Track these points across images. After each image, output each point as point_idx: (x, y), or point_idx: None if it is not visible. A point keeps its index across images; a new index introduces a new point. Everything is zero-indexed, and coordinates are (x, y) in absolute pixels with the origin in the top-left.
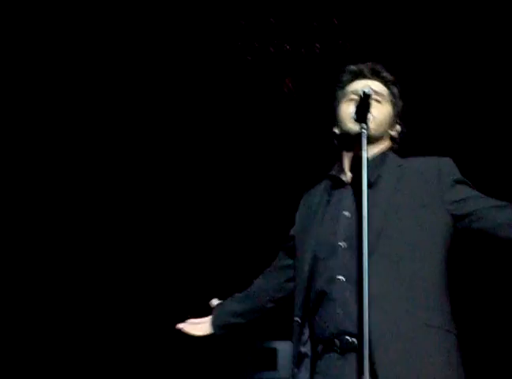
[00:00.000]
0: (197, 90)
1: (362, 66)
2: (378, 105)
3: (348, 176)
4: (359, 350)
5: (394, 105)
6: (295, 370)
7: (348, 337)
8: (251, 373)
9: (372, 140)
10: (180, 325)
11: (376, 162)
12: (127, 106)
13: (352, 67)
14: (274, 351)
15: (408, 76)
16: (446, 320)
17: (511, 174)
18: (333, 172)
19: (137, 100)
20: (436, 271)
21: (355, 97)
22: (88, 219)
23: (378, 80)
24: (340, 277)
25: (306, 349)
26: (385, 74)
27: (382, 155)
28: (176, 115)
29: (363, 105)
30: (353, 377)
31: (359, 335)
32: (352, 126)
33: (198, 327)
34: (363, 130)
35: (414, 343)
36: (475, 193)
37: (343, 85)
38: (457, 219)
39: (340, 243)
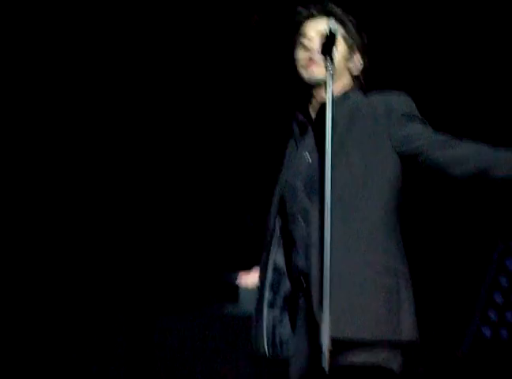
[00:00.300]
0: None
1: (311, 7)
2: None
3: (312, 119)
4: (309, 289)
5: (346, 40)
6: (278, 317)
7: (307, 276)
8: (212, 306)
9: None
10: (237, 281)
11: (337, 103)
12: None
13: (301, 9)
14: (236, 285)
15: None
16: (389, 260)
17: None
18: (299, 117)
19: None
20: (382, 211)
21: (306, 41)
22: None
23: (330, 19)
24: (299, 218)
25: (286, 293)
26: (336, 12)
27: (344, 96)
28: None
29: (329, 42)
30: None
31: (315, 274)
32: (304, 73)
33: (252, 278)
34: (329, 65)
35: (355, 283)
36: (423, 128)
37: (294, 28)
38: (403, 157)
39: (299, 186)
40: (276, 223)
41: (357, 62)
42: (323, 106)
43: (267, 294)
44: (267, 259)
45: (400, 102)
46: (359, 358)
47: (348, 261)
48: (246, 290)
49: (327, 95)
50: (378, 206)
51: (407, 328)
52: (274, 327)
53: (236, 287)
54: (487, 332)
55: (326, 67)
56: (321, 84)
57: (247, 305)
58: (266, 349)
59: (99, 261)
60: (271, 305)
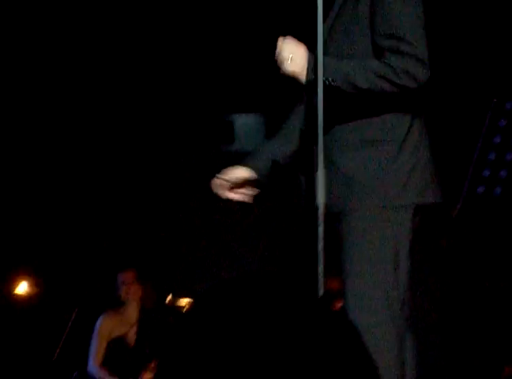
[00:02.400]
0: None
1: None
2: None
3: None
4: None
5: None
6: None
7: None
8: (209, 146)
9: None
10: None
11: None
12: None
13: None
14: (231, 124)
15: None
16: (386, 133)
17: None
18: None
19: None
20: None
21: None
22: None
23: None
24: None
25: None
26: None
27: None
28: None
29: None
30: None
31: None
32: None
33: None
34: None
35: (347, 158)
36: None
37: None
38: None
39: None
40: None
41: None
42: None
43: None
44: None
45: None
46: None
47: (344, 137)
48: (241, 129)
49: None
50: None
51: None
52: None
53: (232, 127)
54: (481, 189)
55: None
56: None
57: (241, 143)
58: None
59: None
60: None
